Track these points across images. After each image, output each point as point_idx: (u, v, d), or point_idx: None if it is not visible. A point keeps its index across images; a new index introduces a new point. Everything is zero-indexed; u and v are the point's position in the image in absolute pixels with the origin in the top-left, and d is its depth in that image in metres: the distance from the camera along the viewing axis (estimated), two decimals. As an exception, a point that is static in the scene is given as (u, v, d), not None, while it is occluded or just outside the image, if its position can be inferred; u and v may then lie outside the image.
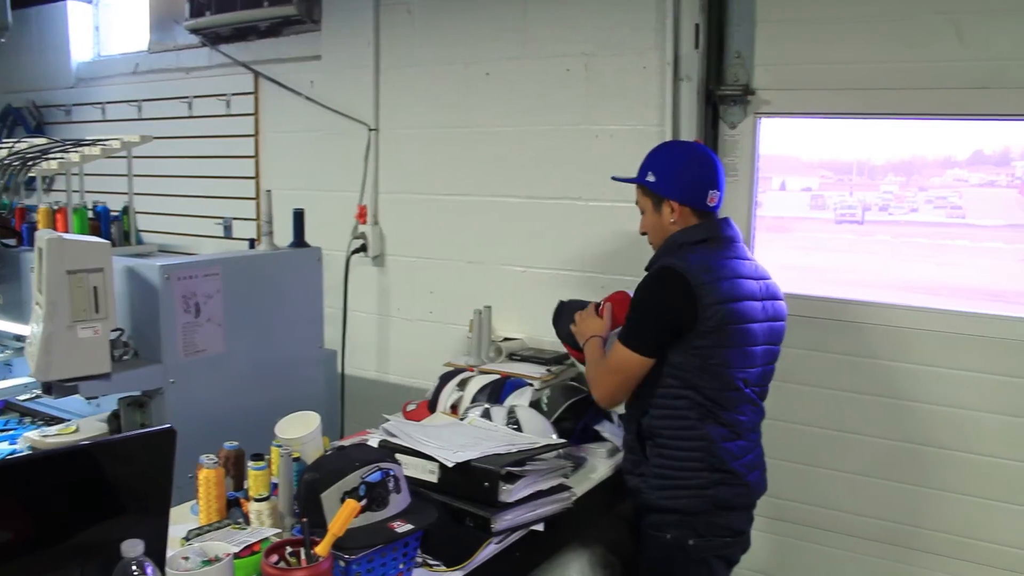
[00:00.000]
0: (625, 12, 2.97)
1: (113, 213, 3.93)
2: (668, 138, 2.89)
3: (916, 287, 2.82)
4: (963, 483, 2.67)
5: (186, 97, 4.35)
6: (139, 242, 4.05)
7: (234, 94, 4.16)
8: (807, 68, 2.75)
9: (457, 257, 3.48)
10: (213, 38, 4.11)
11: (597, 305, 2.49)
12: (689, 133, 2.86)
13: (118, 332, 2.47)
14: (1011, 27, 2.46)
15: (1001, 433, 2.59)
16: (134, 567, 1.35)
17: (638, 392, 2.25)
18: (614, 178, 2.41)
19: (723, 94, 2.84)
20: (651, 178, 2.26)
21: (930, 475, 2.72)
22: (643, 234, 2.34)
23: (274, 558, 1.56)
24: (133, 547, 1.35)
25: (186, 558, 1.57)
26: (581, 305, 2.54)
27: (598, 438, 2.69)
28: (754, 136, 2.85)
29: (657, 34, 2.90)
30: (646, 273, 2.24)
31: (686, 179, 2.24)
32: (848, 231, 2.93)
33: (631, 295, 2.26)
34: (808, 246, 3.02)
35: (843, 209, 2.93)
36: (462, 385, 2.81)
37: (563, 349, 3.18)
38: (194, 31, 4.10)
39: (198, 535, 1.82)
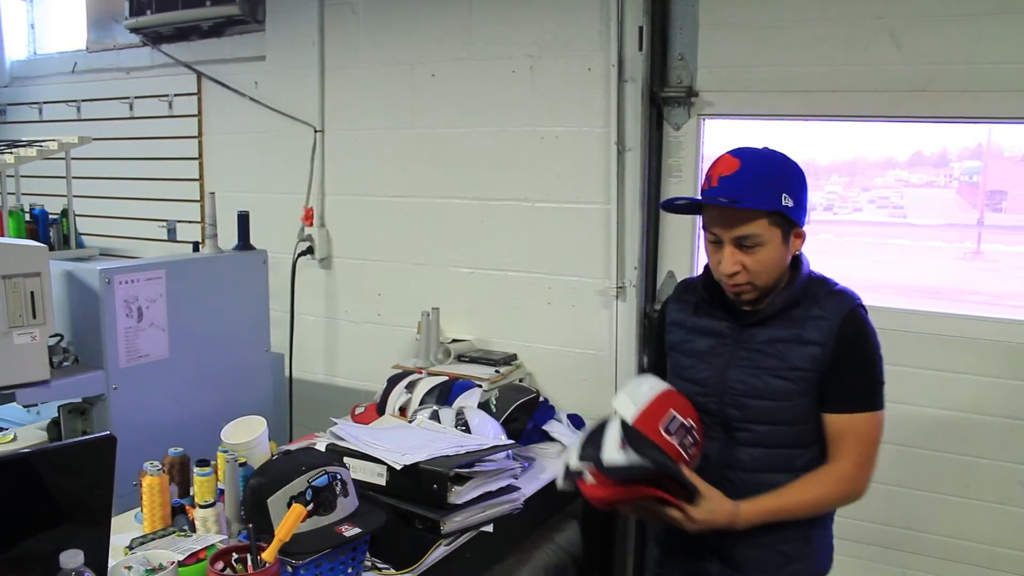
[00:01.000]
0: (570, 14, 2.99)
1: (52, 216, 3.86)
2: (614, 139, 2.92)
3: (859, 285, 2.88)
4: (905, 478, 2.74)
5: (127, 97, 4.27)
6: (80, 246, 3.99)
7: (177, 95, 4.09)
8: (749, 70, 2.79)
9: (405, 259, 3.47)
10: (154, 37, 4.04)
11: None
12: (634, 135, 2.89)
13: (57, 338, 2.42)
14: (944, 33, 2.53)
15: (944, 428, 2.66)
16: (74, 578, 1.33)
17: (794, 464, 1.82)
18: (739, 205, 1.69)
19: (667, 96, 2.87)
20: (788, 202, 1.70)
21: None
22: (733, 274, 1.74)
23: (220, 565, 1.55)
24: (72, 558, 1.33)
25: (129, 567, 1.55)
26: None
27: (547, 438, 2.71)
28: (698, 137, 2.89)
29: (602, 36, 2.92)
30: (811, 315, 1.77)
31: (806, 198, 1.78)
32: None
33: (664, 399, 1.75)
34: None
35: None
36: (410, 387, 2.81)
37: (511, 349, 3.21)
38: (134, 30, 4.03)
39: (142, 544, 1.79)
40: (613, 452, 1.63)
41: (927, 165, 2.82)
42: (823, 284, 1.82)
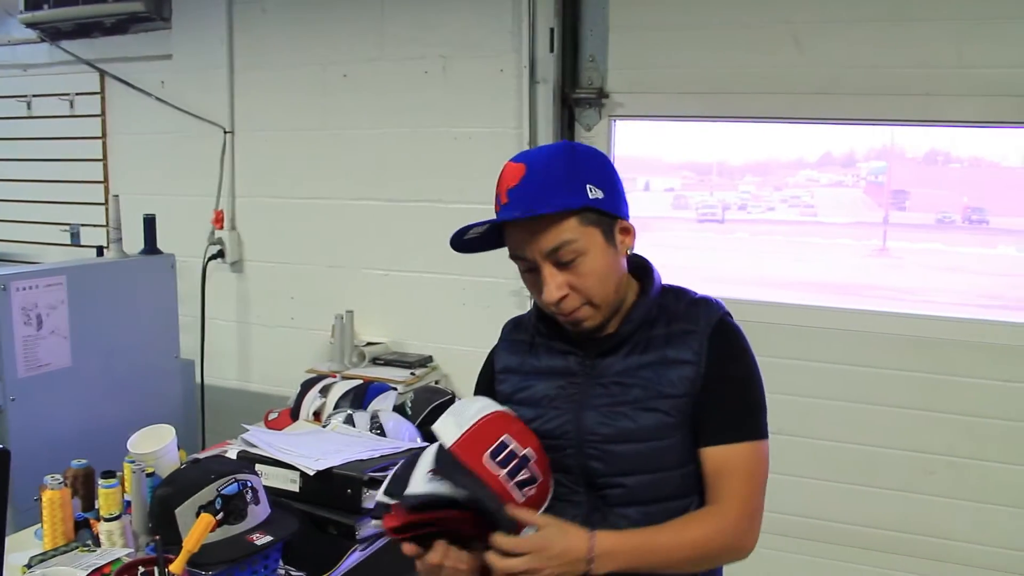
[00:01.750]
0: (481, 14, 3.00)
1: (-56, 221, 3.69)
2: (526, 141, 2.93)
3: (772, 283, 2.97)
4: (813, 469, 2.82)
5: (24, 96, 4.10)
6: (-25, 251, 3.82)
7: (78, 94, 3.95)
8: (659, 72, 2.84)
9: (318, 261, 3.43)
10: (53, 33, 3.89)
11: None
12: (546, 135, 2.91)
13: (-50, 348, 2.32)
14: (846, 38, 2.62)
15: (849, 419, 2.75)
16: (-34, 600, 1.27)
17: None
18: (536, 212, 1.37)
19: (578, 97, 2.90)
20: (596, 193, 1.40)
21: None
22: (561, 300, 1.41)
23: (125, 580, 1.50)
24: (-35, 578, 1.28)
25: (27, 586, 1.49)
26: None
27: (464, 439, 2.71)
28: (609, 138, 2.93)
29: (513, 37, 2.94)
30: (674, 325, 1.47)
31: (620, 184, 1.49)
32: (709, 230, 3.05)
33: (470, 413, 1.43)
34: (671, 244, 3.13)
35: (704, 208, 3.05)
36: (324, 391, 2.77)
37: (426, 351, 3.20)
38: (31, 25, 3.87)
39: (42, 561, 1.73)
40: (419, 482, 1.35)
41: (835, 165, 2.91)
42: (680, 294, 1.52)
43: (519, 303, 3.04)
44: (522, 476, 1.38)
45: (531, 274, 1.44)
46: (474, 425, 1.40)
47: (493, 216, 1.43)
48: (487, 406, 1.45)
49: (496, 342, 1.66)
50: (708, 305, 1.49)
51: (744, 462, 1.43)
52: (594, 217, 1.40)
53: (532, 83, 2.91)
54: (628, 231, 1.47)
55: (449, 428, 1.40)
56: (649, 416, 1.43)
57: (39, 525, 1.88)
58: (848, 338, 2.74)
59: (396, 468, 1.44)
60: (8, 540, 1.59)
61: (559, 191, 1.38)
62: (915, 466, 2.71)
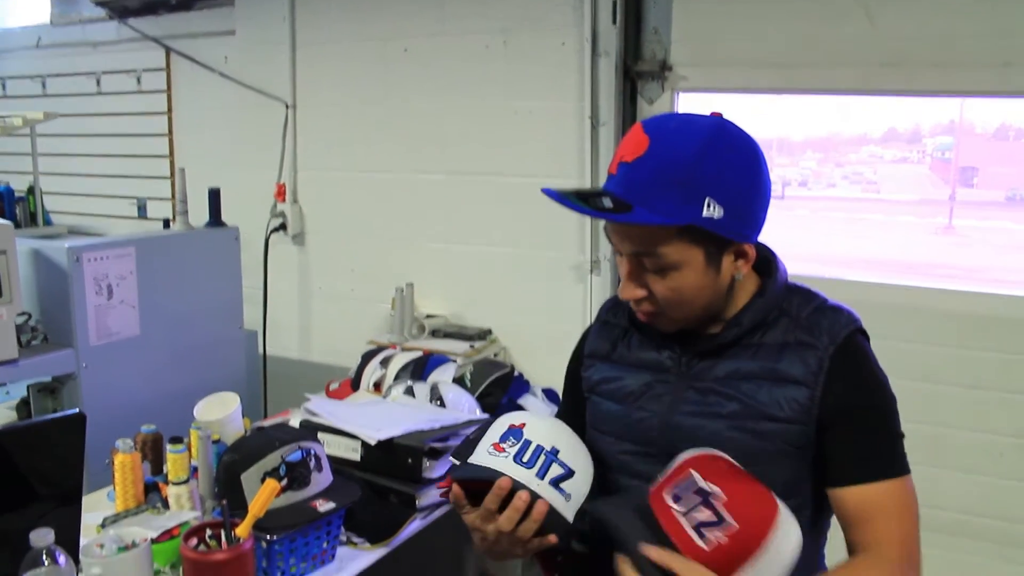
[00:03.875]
0: (543, -13, 2.97)
1: (18, 194, 3.80)
2: (587, 114, 2.90)
3: (833, 260, 2.91)
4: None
5: (94, 73, 4.19)
6: (47, 223, 3.94)
7: (145, 70, 4.03)
8: (723, 44, 2.79)
9: (378, 235, 3.45)
10: (120, 11, 3.97)
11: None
12: (608, 109, 2.88)
13: (25, 316, 2.39)
14: (918, 8, 2.53)
15: (915, 399, 2.69)
16: (44, 556, 1.31)
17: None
18: (624, 219, 1.18)
19: (641, 70, 2.86)
20: (714, 211, 1.18)
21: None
22: (636, 301, 1.27)
23: (193, 541, 1.53)
24: (43, 536, 1.32)
25: (101, 545, 1.53)
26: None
27: (522, 412, 2.72)
28: (672, 111, 2.89)
29: (575, 10, 2.90)
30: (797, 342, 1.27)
31: (760, 199, 1.24)
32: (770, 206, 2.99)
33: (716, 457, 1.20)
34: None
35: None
36: (385, 363, 2.80)
37: (485, 324, 3.21)
38: (100, 3, 3.95)
39: (114, 521, 1.78)
40: (482, 454, 1.29)
41: (900, 141, 2.84)
42: (808, 298, 1.31)
43: (579, 277, 3.02)
44: (702, 516, 1.11)
45: (619, 257, 1.28)
46: (676, 465, 1.19)
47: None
48: (705, 450, 1.21)
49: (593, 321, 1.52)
50: (837, 315, 1.28)
51: (895, 501, 1.22)
52: (700, 237, 1.19)
53: (594, 56, 2.88)
54: (744, 255, 1.25)
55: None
56: (745, 438, 1.24)
57: (111, 487, 1.94)
58: (914, 316, 2.67)
59: (470, 433, 1.40)
60: (83, 500, 1.65)
61: (670, 195, 1.16)
62: (983, 448, 2.64)
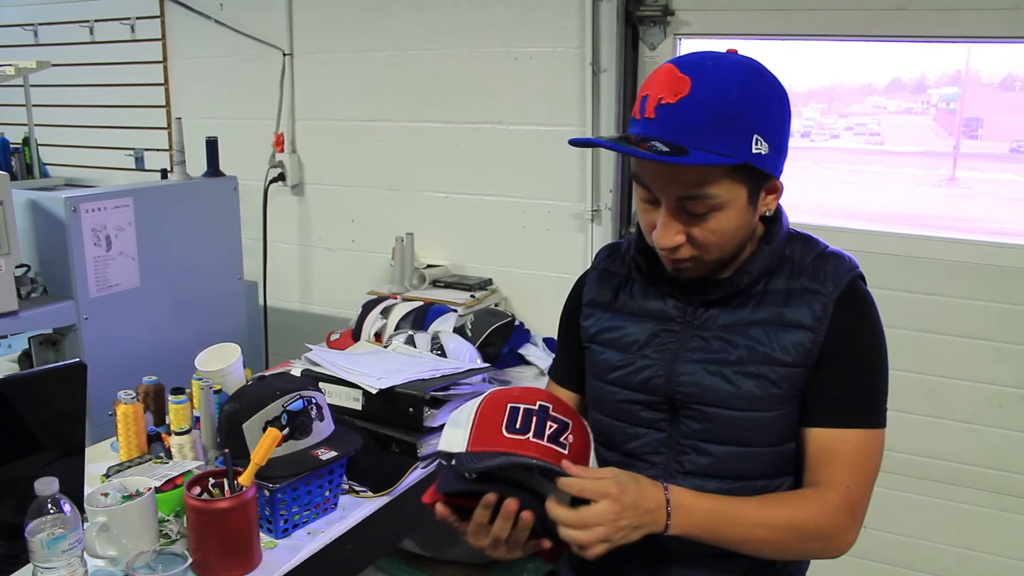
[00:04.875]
0: (543, -70, 2.91)
1: (14, 145, 3.77)
2: (588, 60, 2.86)
3: (836, 212, 2.89)
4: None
5: (87, 21, 4.13)
6: (44, 175, 3.91)
7: (139, 18, 3.96)
8: (726, -12, 2.74)
9: (378, 184, 3.43)
10: (113, -43, 3.90)
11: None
12: (609, 55, 2.83)
13: (24, 268, 2.38)
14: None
15: (914, 348, 2.70)
16: (49, 505, 1.32)
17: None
18: (687, 161, 1.13)
19: (643, 14, 2.81)
20: (762, 147, 1.17)
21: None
22: (674, 248, 1.23)
23: (197, 490, 1.55)
24: (47, 485, 1.33)
25: (106, 494, 1.55)
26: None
27: (523, 362, 2.73)
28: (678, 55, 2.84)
29: (576, -47, 2.85)
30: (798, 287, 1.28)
31: (789, 132, 1.25)
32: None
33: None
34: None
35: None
36: (385, 313, 2.80)
37: (486, 273, 3.20)
38: (92, -51, 3.88)
39: (118, 471, 1.79)
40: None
41: (905, 91, 2.80)
42: (809, 244, 1.32)
43: (580, 226, 3.01)
44: (551, 428, 1.20)
45: (648, 204, 1.25)
46: (475, 418, 1.23)
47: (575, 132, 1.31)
48: (477, 400, 1.27)
49: (588, 269, 1.50)
50: (839, 262, 1.29)
51: (856, 449, 1.24)
52: (747, 174, 1.19)
53: (595, 1, 2.83)
54: (775, 190, 1.26)
55: (455, 437, 1.23)
56: (752, 382, 1.25)
57: (114, 438, 1.95)
58: (915, 265, 2.66)
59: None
60: (87, 451, 1.66)
61: (722, 135, 1.14)
62: (982, 398, 2.65)
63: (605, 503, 1.13)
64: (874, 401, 1.27)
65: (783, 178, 1.27)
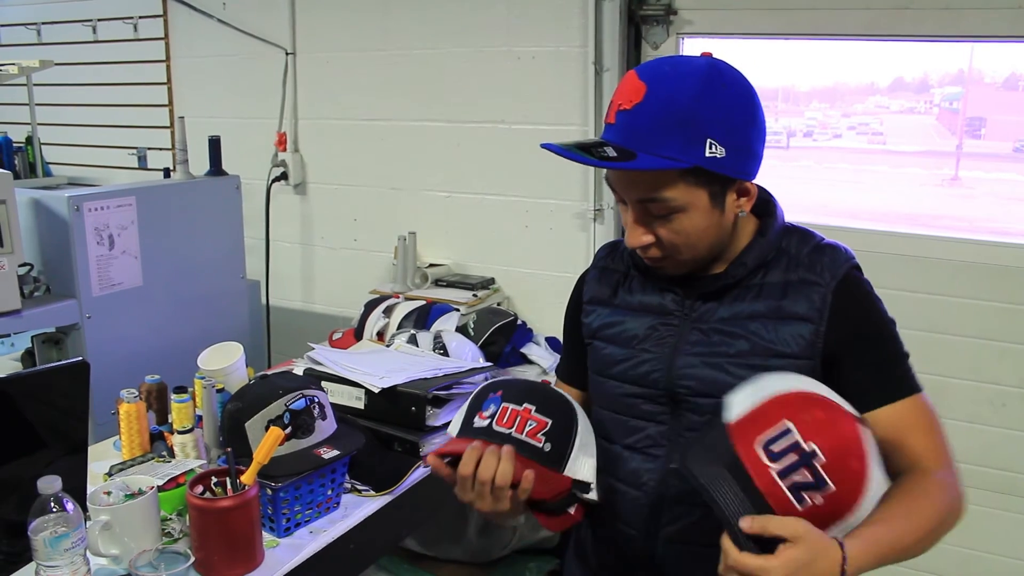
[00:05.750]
0: (546, -71, 2.91)
1: (17, 144, 3.78)
2: (591, 60, 2.86)
3: (838, 211, 2.89)
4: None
5: (89, 20, 4.13)
6: (47, 174, 3.91)
7: (141, 17, 3.96)
8: (729, -12, 2.74)
9: (380, 183, 3.43)
10: (115, -44, 3.90)
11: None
12: (612, 55, 2.83)
13: (27, 267, 2.38)
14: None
15: (918, 347, 2.69)
16: (52, 503, 1.32)
17: None
18: (628, 166, 1.18)
19: (645, 14, 2.81)
20: (716, 151, 1.19)
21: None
22: (644, 248, 1.27)
23: (199, 488, 1.55)
24: (50, 484, 1.33)
25: (108, 493, 1.55)
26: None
27: (526, 361, 2.73)
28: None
29: (578, -48, 2.85)
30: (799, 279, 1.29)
31: (758, 134, 1.27)
32: (774, 157, 2.96)
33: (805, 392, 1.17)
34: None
35: (769, 135, 2.95)
36: (388, 312, 2.80)
37: (488, 273, 3.20)
38: (95, -51, 3.88)
39: (121, 470, 1.79)
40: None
41: (908, 91, 2.80)
42: (804, 237, 1.34)
43: (582, 225, 3.01)
44: (799, 477, 1.08)
45: (623, 206, 1.28)
46: (765, 402, 1.14)
47: (568, 136, 1.34)
48: (792, 384, 1.18)
49: (588, 268, 1.52)
50: (835, 253, 1.30)
51: (919, 416, 1.26)
52: (704, 178, 1.20)
53: (597, 0, 2.83)
54: (746, 193, 1.27)
55: (740, 399, 1.17)
56: (752, 375, 1.22)
57: (117, 437, 1.95)
58: (917, 265, 2.65)
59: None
60: (90, 450, 1.66)
61: (672, 138, 1.16)
62: (985, 398, 2.64)
63: (792, 550, 1.05)
64: (902, 369, 1.29)
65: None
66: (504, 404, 1.31)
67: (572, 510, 1.32)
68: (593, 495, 1.33)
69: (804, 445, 1.09)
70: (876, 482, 1.12)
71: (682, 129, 1.17)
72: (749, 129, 1.23)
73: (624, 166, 1.17)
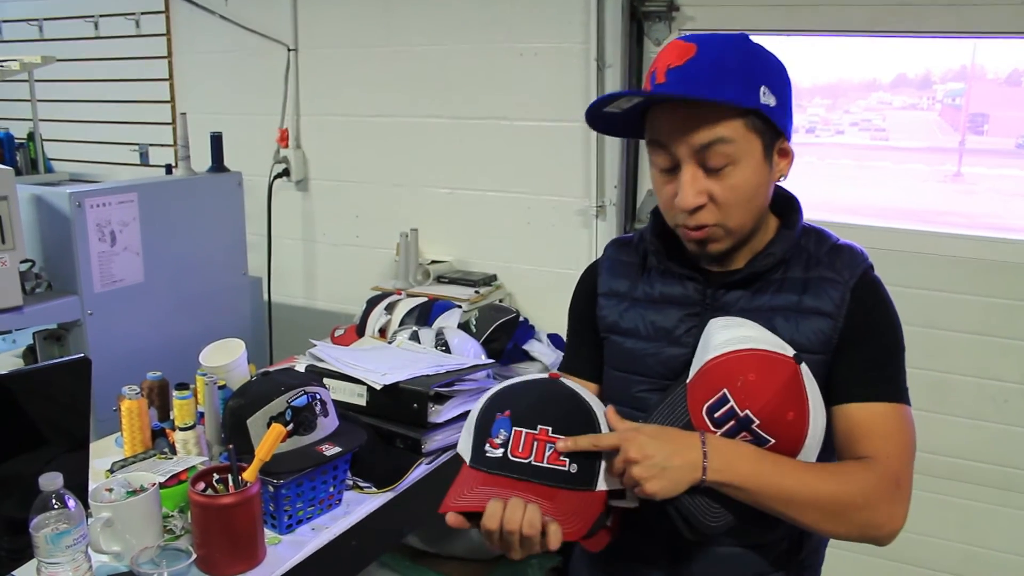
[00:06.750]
0: (548, -75, 2.90)
1: (19, 140, 3.77)
2: (593, 56, 2.86)
3: (841, 208, 2.89)
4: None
5: (91, 16, 4.13)
6: (49, 170, 3.92)
7: (143, 13, 3.96)
8: (732, -17, 2.73)
9: (382, 180, 3.42)
10: (117, -48, 3.89)
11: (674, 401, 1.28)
12: (614, 51, 2.83)
13: (28, 263, 2.38)
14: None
15: (920, 344, 2.68)
16: (53, 500, 1.32)
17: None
18: (701, 95, 1.19)
19: (648, 10, 2.80)
20: (769, 99, 1.22)
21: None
22: (696, 209, 1.24)
23: (201, 485, 1.55)
24: (51, 480, 1.33)
25: (110, 489, 1.55)
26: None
27: (528, 358, 2.73)
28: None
29: (581, -52, 2.84)
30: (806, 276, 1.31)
31: (791, 98, 1.30)
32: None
33: (765, 352, 1.22)
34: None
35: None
36: (390, 308, 2.80)
37: (490, 269, 3.20)
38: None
39: (123, 466, 1.79)
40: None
41: (910, 87, 2.79)
42: (822, 237, 1.36)
43: (585, 222, 3.01)
44: (740, 438, 1.18)
45: (666, 175, 1.26)
46: (708, 364, 1.23)
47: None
48: (733, 334, 1.24)
49: (595, 261, 1.50)
50: (853, 254, 1.32)
51: (888, 421, 1.25)
52: (760, 124, 1.22)
53: (600, -4, 2.83)
54: (787, 155, 1.29)
55: (697, 355, 1.26)
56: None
57: (119, 433, 1.95)
58: (920, 261, 2.65)
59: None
60: (91, 447, 1.66)
61: (732, 83, 1.19)
62: (987, 394, 2.64)
63: (641, 442, 1.15)
64: (896, 379, 1.29)
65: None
66: (516, 428, 1.22)
67: (609, 522, 1.24)
68: (631, 501, 1.22)
69: (739, 412, 1.19)
70: (816, 419, 1.22)
71: (739, 74, 1.20)
72: (788, 90, 1.26)
73: (700, 95, 1.18)
